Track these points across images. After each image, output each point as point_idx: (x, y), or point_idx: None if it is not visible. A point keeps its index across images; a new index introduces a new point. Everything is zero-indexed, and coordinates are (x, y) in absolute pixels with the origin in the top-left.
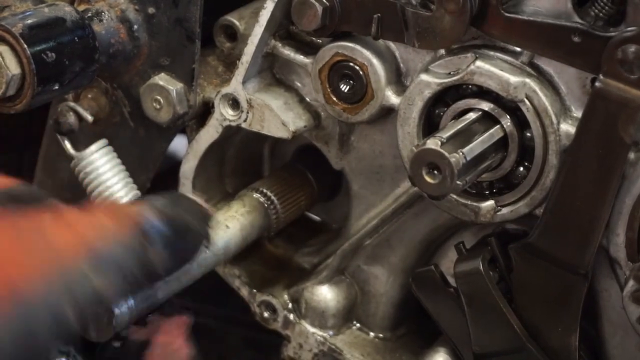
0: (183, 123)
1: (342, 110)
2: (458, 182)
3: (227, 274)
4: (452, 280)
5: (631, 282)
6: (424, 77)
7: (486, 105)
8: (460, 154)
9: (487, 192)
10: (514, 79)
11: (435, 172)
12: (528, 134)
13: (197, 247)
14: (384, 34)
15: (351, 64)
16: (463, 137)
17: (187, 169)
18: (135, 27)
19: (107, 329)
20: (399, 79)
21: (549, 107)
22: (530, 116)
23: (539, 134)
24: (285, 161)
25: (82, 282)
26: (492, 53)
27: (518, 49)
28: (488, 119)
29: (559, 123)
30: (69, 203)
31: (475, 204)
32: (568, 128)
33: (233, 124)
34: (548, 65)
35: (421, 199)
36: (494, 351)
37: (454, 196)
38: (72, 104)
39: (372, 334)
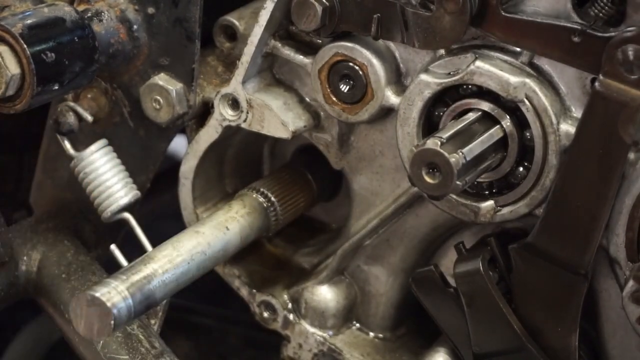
0: (183, 123)
1: (342, 110)
2: (458, 182)
3: (227, 274)
4: (452, 280)
5: (631, 283)
6: (424, 77)
7: (486, 106)
8: (460, 154)
9: (486, 192)
10: (513, 79)
11: (435, 172)
12: (528, 134)
13: None
14: (384, 34)
15: (351, 64)
16: (463, 137)
17: (187, 169)
18: (135, 27)
19: (107, 329)
20: (398, 79)
21: (549, 107)
22: (530, 116)
23: (539, 134)
24: (285, 161)
25: None
26: (492, 53)
27: (518, 49)
28: (488, 119)
29: (558, 123)
30: (69, 203)
31: (475, 204)
32: (568, 128)
33: (233, 124)
34: (548, 65)
35: (421, 199)
36: (494, 351)
37: (454, 196)
38: (71, 104)
39: (372, 334)
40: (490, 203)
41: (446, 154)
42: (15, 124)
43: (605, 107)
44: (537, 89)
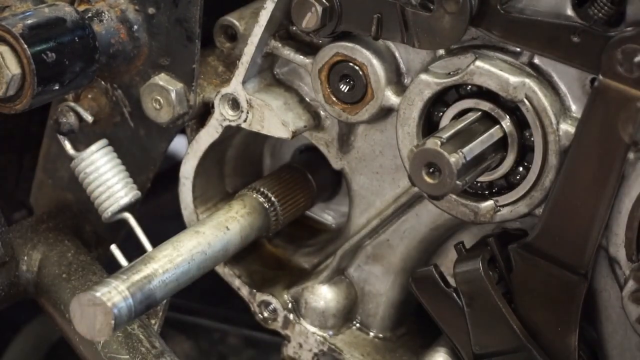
0: (183, 123)
1: (342, 111)
2: (458, 182)
3: (227, 274)
4: (452, 280)
5: (631, 282)
6: (424, 77)
7: (486, 106)
8: (460, 154)
9: (486, 192)
10: (513, 79)
11: (435, 172)
12: (528, 134)
13: None
14: (384, 34)
15: (351, 64)
16: (463, 137)
17: (187, 169)
18: (136, 27)
19: (107, 329)
20: (398, 79)
21: (549, 107)
22: (529, 116)
23: (539, 134)
24: (285, 161)
25: None
26: (491, 53)
27: (518, 49)
28: (488, 119)
29: (558, 123)
30: (70, 203)
31: (474, 204)
32: (568, 128)
33: (233, 124)
34: (548, 65)
35: (421, 199)
36: (494, 351)
37: (454, 196)
38: (72, 104)
39: (372, 333)
40: (490, 203)
41: (446, 154)
42: (15, 124)
43: (605, 107)
44: (537, 89)
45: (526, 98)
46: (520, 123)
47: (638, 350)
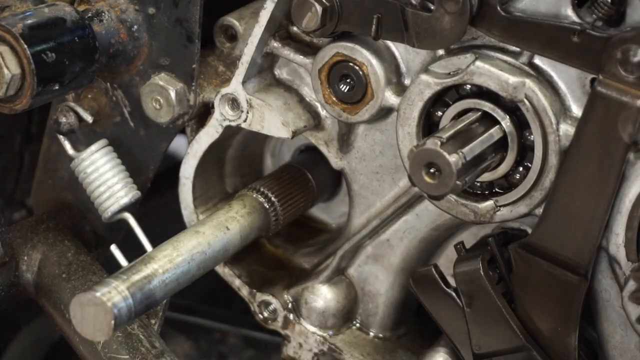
0: (183, 123)
1: (342, 110)
2: (458, 182)
3: (227, 274)
4: (452, 280)
5: (631, 282)
6: (424, 77)
7: (486, 106)
8: (460, 154)
9: (486, 192)
10: (513, 79)
11: (435, 172)
12: (528, 134)
13: None
14: (384, 34)
15: (351, 64)
16: (463, 137)
17: (187, 169)
18: (136, 27)
19: (107, 329)
20: (398, 79)
21: (549, 107)
22: (529, 116)
23: (539, 134)
24: (285, 161)
25: None
26: (491, 53)
27: (518, 49)
28: (488, 119)
29: (558, 123)
30: (70, 203)
31: (474, 204)
32: (568, 128)
33: (233, 124)
34: (548, 66)
35: (421, 199)
36: (494, 351)
37: (454, 196)
38: (72, 104)
39: (372, 333)
40: (490, 203)
41: (446, 154)
42: (15, 124)
43: (605, 107)
44: (536, 89)
45: (526, 98)
46: (520, 123)
47: (638, 350)
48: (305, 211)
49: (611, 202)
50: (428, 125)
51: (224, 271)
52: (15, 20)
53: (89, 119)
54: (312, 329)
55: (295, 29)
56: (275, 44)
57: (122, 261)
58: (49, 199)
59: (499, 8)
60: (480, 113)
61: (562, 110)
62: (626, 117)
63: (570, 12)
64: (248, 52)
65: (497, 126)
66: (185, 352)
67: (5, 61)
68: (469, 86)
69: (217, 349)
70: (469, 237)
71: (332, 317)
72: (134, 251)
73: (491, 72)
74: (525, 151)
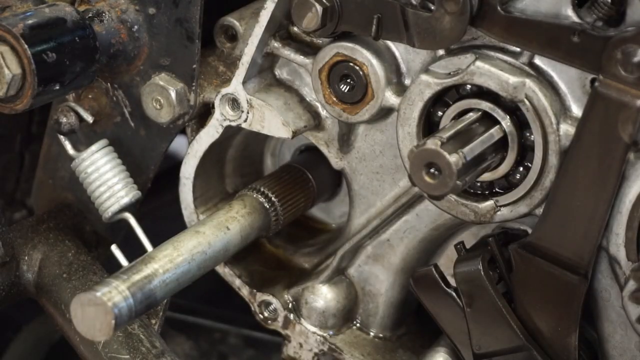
0: (183, 123)
1: (342, 111)
2: (458, 182)
3: (227, 274)
4: (452, 280)
5: (631, 282)
6: (424, 77)
7: (486, 106)
8: (460, 154)
9: (486, 192)
10: (513, 79)
11: (435, 172)
12: (528, 134)
13: None
14: (384, 34)
15: (351, 64)
16: (463, 137)
17: (188, 169)
18: (136, 27)
19: (108, 329)
20: (399, 79)
21: (549, 107)
22: (529, 116)
23: (539, 134)
24: (286, 161)
25: None
26: (492, 53)
27: (518, 49)
28: (488, 119)
29: (558, 123)
30: (70, 203)
31: (474, 204)
32: (568, 128)
33: (233, 124)
34: (548, 66)
35: (421, 199)
36: (494, 351)
37: (454, 196)
38: (72, 104)
39: (372, 333)
40: (490, 203)
41: (446, 154)
42: (15, 124)
43: (605, 107)
44: (536, 89)
45: (526, 98)
46: (521, 123)
47: (638, 350)
48: (306, 211)
49: (611, 202)
50: (428, 125)
51: (224, 271)
52: (15, 20)
53: (89, 119)
54: (312, 328)
55: (295, 29)
56: (275, 44)
57: (123, 261)
58: (49, 199)
59: (499, 8)
60: (480, 113)
61: (562, 110)
62: (626, 117)
63: (570, 12)
64: (248, 52)
65: (498, 126)
66: (185, 352)
67: (6, 61)
68: (469, 86)
69: (218, 349)
70: (469, 237)
71: (332, 317)
72: (134, 251)
73: (491, 72)
74: (525, 151)
